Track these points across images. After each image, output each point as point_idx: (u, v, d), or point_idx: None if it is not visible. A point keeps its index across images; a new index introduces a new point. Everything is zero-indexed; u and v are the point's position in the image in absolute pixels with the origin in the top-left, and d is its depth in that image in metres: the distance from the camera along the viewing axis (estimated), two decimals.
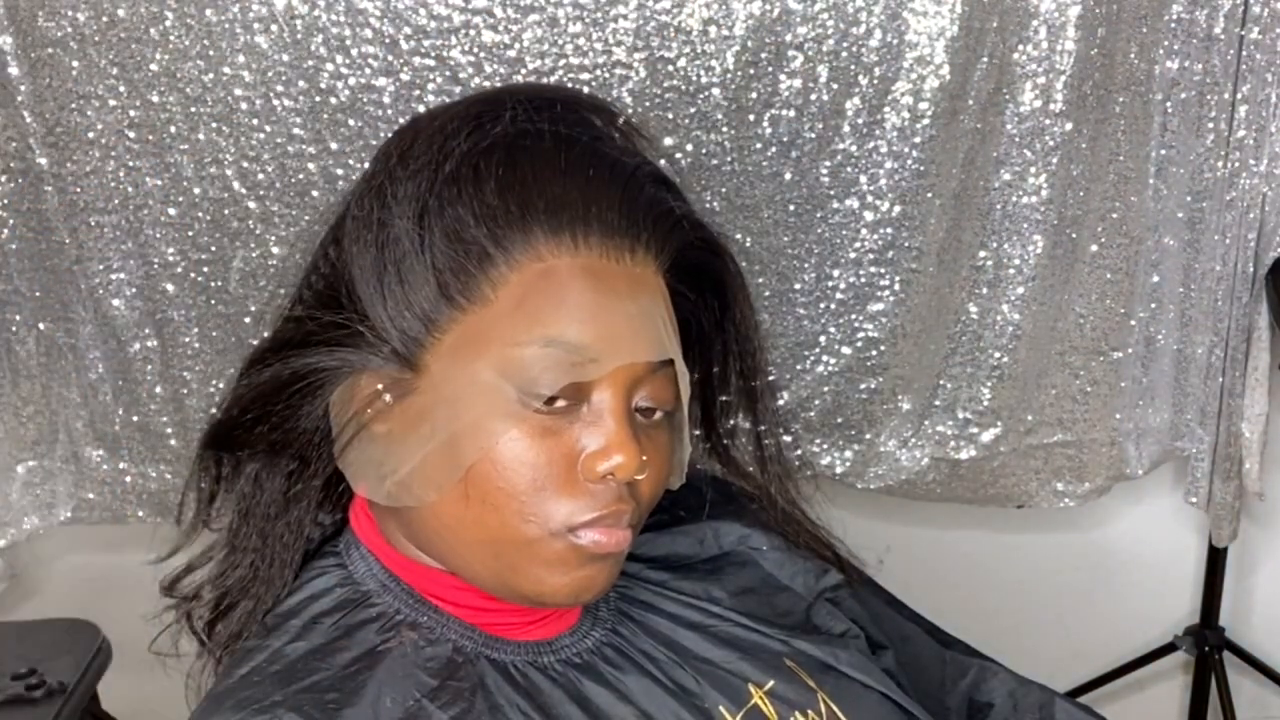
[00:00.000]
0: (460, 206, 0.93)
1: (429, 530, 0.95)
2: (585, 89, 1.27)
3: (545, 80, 1.28)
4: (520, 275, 0.92)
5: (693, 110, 1.32)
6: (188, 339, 1.36)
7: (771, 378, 1.12)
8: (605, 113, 1.06)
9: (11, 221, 1.34)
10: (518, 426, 0.90)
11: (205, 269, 1.34)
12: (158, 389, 1.39)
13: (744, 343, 1.08)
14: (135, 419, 1.40)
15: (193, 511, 1.09)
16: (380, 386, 0.94)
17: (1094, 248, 1.46)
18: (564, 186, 0.94)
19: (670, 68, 1.30)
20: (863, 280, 1.41)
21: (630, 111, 1.28)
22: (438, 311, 0.92)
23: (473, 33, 1.27)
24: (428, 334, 0.93)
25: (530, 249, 0.92)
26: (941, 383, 1.49)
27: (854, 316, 1.42)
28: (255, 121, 1.28)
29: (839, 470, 1.52)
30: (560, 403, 0.91)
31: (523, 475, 0.90)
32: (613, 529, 0.93)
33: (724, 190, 1.36)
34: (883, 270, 1.40)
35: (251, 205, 1.31)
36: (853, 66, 1.32)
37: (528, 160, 0.95)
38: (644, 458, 0.92)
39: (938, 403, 1.50)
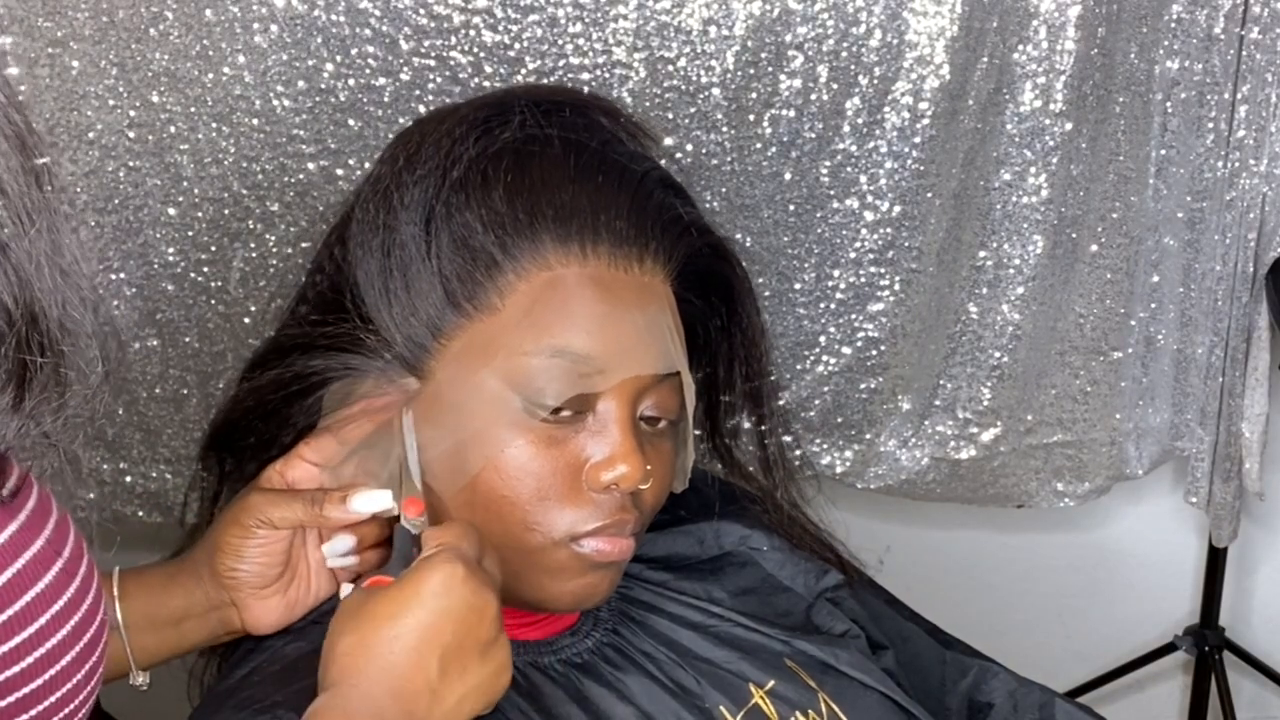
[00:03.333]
0: (468, 213, 0.92)
1: None
2: (585, 89, 1.27)
3: (545, 80, 1.28)
4: (528, 284, 0.91)
5: (693, 110, 1.32)
6: (188, 339, 1.36)
7: (772, 378, 1.12)
8: (613, 114, 1.05)
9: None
10: (523, 436, 0.90)
11: (205, 269, 1.34)
12: (157, 389, 1.39)
13: (750, 346, 1.08)
14: (135, 419, 1.40)
15: (195, 511, 1.09)
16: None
17: (1094, 248, 1.46)
18: (573, 194, 0.93)
19: (670, 68, 1.30)
20: (863, 280, 1.41)
21: (630, 111, 1.28)
22: (444, 319, 0.92)
23: (473, 33, 1.27)
24: (434, 340, 0.92)
25: (538, 258, 0.92)
26: (941, 383, 1.49)
27: (854, 316, 1.42)
28: (255, 121, 1.28)
29: (839, 470, 1.52)
30: (565, 412, 0.91)
31: (527, 484, 0.90)
32: (616, 538, 0.93)
33: (724, 190, 1.36)
34: (883, 270, 1.40)
35: (251, 205, 1.31)
36: (853, 66, 1.32)
37: (536, 167, 0.94)
38: (648, 467, 0.92)
39: (938, 403, 1.50)
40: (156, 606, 0.97)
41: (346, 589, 0.90)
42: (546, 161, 0.95)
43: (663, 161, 1.06)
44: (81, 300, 0.65)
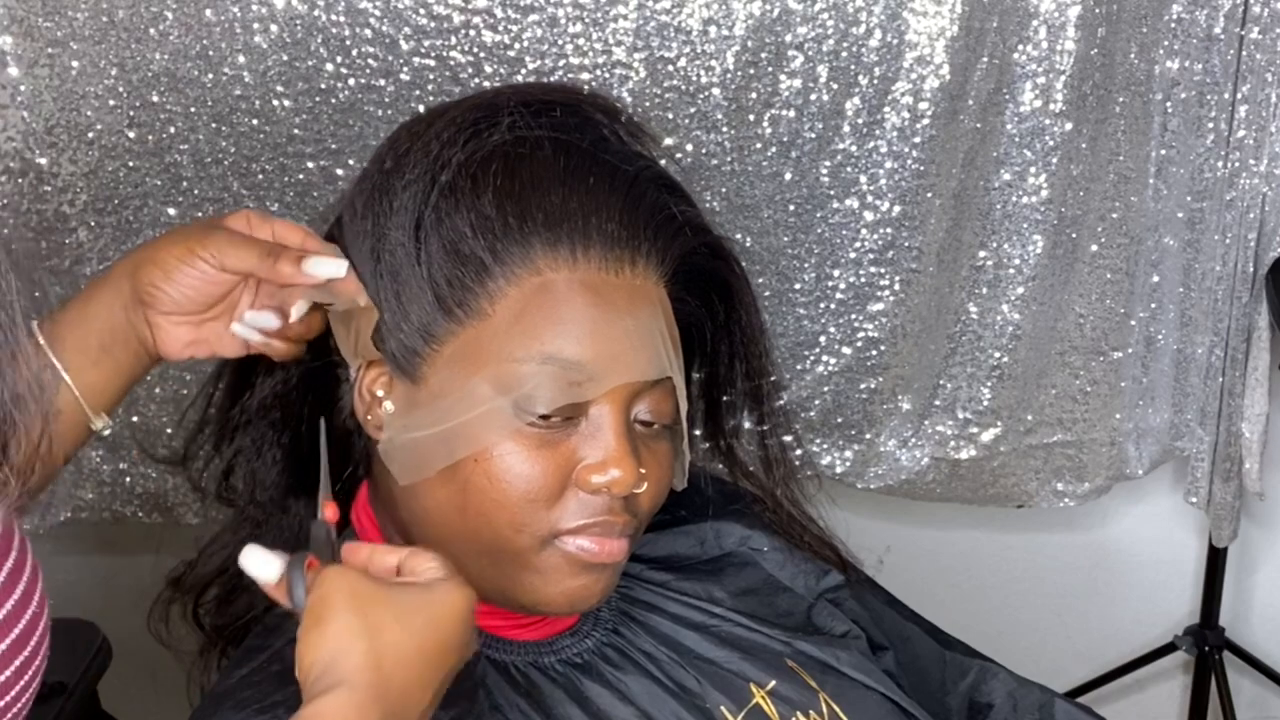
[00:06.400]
0: (457, 218, 0.91)
1: (428, 541, 0.94)
2: (585, 89, 1.27)
3: (546, 79, 1.28)
4: (518, 289, 0.91)
5: (693, 110, 1.32)
6: None
7: (773, 378, 1.12)
8: (608, 110, 1.04)
9: (11, 221, 1.34)
10: (514, 440, 0.90)
11: None
12: (157, 389, 1.39)
13: (749, 344, 1.08)
14: (135, 419, 1.40)
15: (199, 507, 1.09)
16: (380, 393, 0.94)
17: (1094, 248, 1.46)
18: (563, 197, 0.92)
19: (670, 68, 1.30)
20: (863, 280, 1.41)
21: (630, 111, 1.28)
22: (435, 324, 0.92)
23: (473, 33, 1.27)
24: (425, 346, 0.92)
25: (528, 262, 0.91)
26: (941, 383, 1.49)
27: (854, 316, 1.42)
28: (255, 121, 1.28)
29: (839, 470, 1.52)
30: (557, 418, 0.91)
31: (516, 487, 0.90)
32: (603, 539, 0.92)
33: (724, 190, 1.36)
34: (883, 270, 1.40)
35: (251, 205, 1.31)
36: (853, 66, 1.32)
37: (526, 170, 0.93)
38: (642, 471, 0.92)
39: (938, 403, 1.50)
40: (82, 336, 0.93)
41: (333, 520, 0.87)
42: (536, 164, 0.94)
43: (663, 162, 1.05)
44: (32, 380, 0.64)
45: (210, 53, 1.26)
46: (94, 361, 0.93)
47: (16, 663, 0.67)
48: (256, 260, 0.91)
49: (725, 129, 1.33)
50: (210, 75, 1.27)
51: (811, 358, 1.44)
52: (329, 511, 0.87)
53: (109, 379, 0.94)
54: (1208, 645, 1.80)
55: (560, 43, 1.28)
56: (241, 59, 1.26)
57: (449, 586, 0.82)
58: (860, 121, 1.34)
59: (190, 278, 0.91)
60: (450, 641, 0.80)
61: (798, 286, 1.41)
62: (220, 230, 0.93)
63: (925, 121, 1.34)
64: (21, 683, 0.68)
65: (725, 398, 1.10)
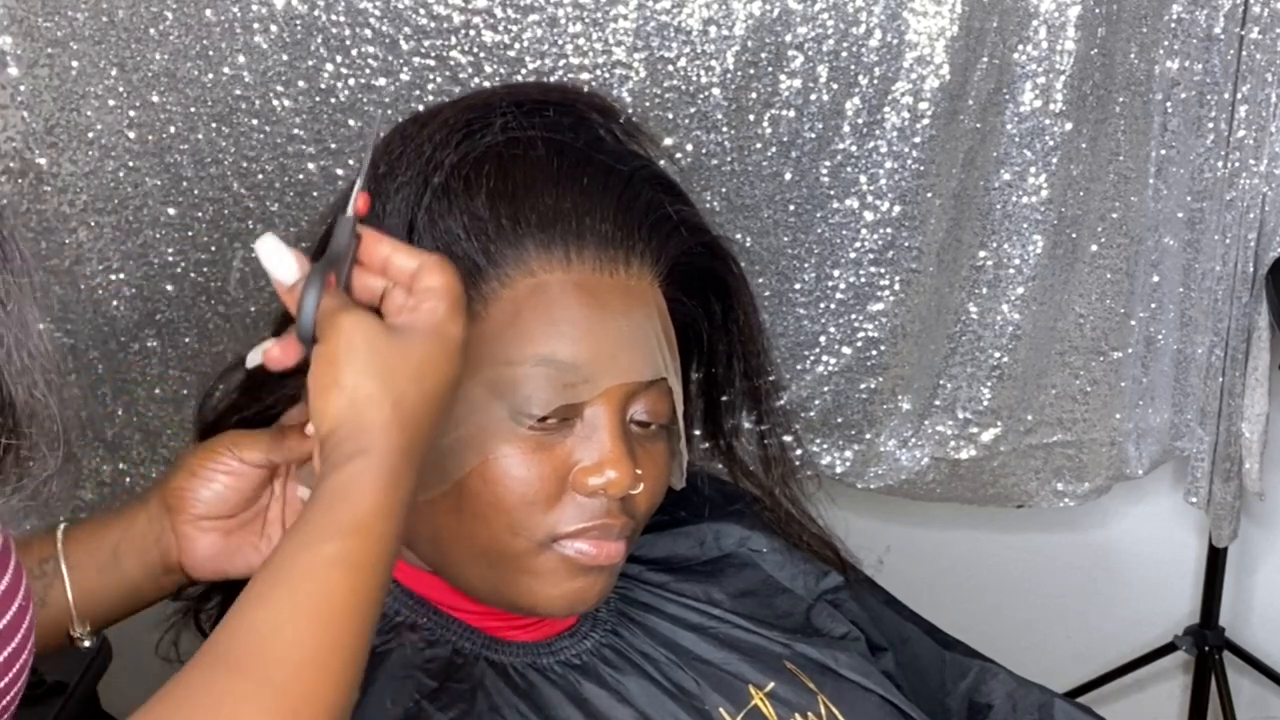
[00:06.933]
0: (450, 220, 0.91)
1: (425, 542, 0.95)
2: (585, 89, 1.27)
3: (545, 80, 1.28)
4: (512, 291, 0.91)
5: (693, 110, 1.32)
6: (188, 339, 1.36)
7: (772, 378, 1.12)
8: (603, 109, 1.04)
9: (11, 221, 1.33)
10: (510, 443, 0.90)
11: (205, 269, 1.34)
12: (158, 389, 1.39)
13: (748, 344, 1.08)
14: (135, 419, 1.40)
15: None
16: None
17: (1094, 248, 1.46)
18: (556, 197, 0.92)
19: (670, 68, 1.30)
20: (863, 280, 1.41)
21: (630, 111, 1.28)
22: None
23: (473, 33, 1.27)
24: None
25: (522, 264, 0.91)
26: (941, 383, 1.49)
27: (854, 316, 1.42)
28: (255, 121, 1.28)
29: (839, 470, 1.52)
30: (552, 420, 0.90)
31: (513, 490, 0.90)
32: (601, 541, 0.92)
33: (724, 190, 1.36)
34: (883, 270, 1.40)
35: (251, 205, 1.31)
36: (853, 66, 1.32)
37: (519, 170, 0.93)
38: (638, 472, 0.91)
39: (938, 403, 1.50)
40: (98, 540, 0.93)
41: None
42: (529, 164, 0.93)
43: (662, 162, 1.05)
44: (47, 383, 0.64)
45: (210, 53, 1.26)
46: (100, 568, 0.93)
47: (5, 654, 0.68)
48: (268, 445, 0.93)
49: (725, 129, 1.33)
50: (210, 75, 1.27)
51: (811, 358, 1.44)
52: (361, 202, 0.85)
53: (110, 589, 0.93)
54: (1208, 645, 1.80)
55: (560, 43, 1.28)
56: (241, 59, 1.26)
57: (447, 319, 0.81)
58: (860, 121, 1.34)
59: (217, 473, 0.93)
60: (455, 377, 0.81)
61: (798, 286, 1.41)
62: (237, 429, 0.95)
63: (925, 121, 1.34)
64: (9, 675, 0.68)
65: (724, 397, 1.10)
